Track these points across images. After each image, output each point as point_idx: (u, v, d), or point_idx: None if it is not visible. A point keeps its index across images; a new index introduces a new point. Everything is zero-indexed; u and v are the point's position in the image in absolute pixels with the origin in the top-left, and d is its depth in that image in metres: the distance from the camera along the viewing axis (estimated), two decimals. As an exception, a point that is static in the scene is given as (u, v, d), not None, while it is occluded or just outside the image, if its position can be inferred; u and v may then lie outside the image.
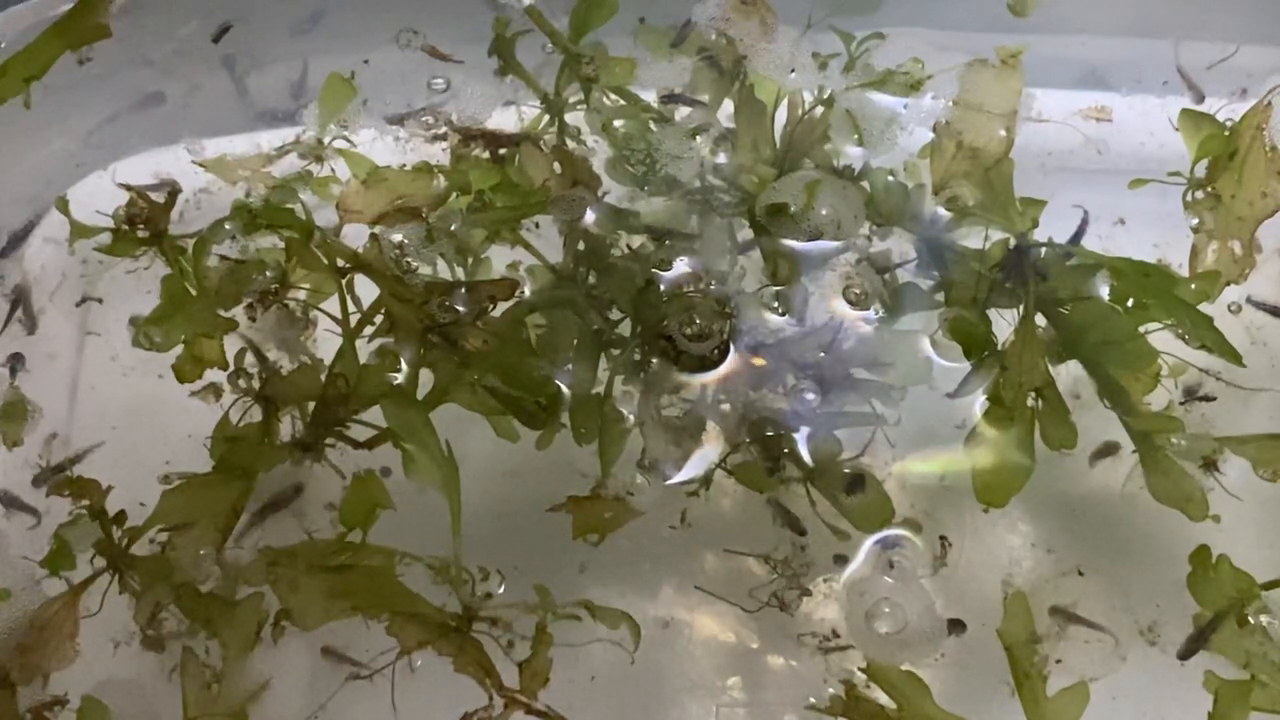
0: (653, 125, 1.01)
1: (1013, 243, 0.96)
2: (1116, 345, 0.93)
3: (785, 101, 1.02)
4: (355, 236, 0.97)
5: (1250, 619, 0.88)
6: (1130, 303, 0.94)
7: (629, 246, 0.99)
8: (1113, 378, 0.93)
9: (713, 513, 0.97)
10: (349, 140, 1.05)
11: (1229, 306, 1.01)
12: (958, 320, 0.95)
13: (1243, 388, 0.98)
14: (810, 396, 0.95)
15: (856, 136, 1.01)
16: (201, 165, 1.05)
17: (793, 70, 1.03)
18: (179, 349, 0.96)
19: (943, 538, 0.95)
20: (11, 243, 1.07)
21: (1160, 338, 0.94)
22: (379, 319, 0.94)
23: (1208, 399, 0.98)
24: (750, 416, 0.95)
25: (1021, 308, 0.94)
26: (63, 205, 1.01)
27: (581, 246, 0.98)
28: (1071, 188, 1.01)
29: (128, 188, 0.99)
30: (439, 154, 1.03)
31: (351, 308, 0.94)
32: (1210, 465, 0.93)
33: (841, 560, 0.95)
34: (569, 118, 1.03)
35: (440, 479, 0.90)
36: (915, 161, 1.01)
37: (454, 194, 0.99)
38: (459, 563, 0.90)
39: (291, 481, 0.97)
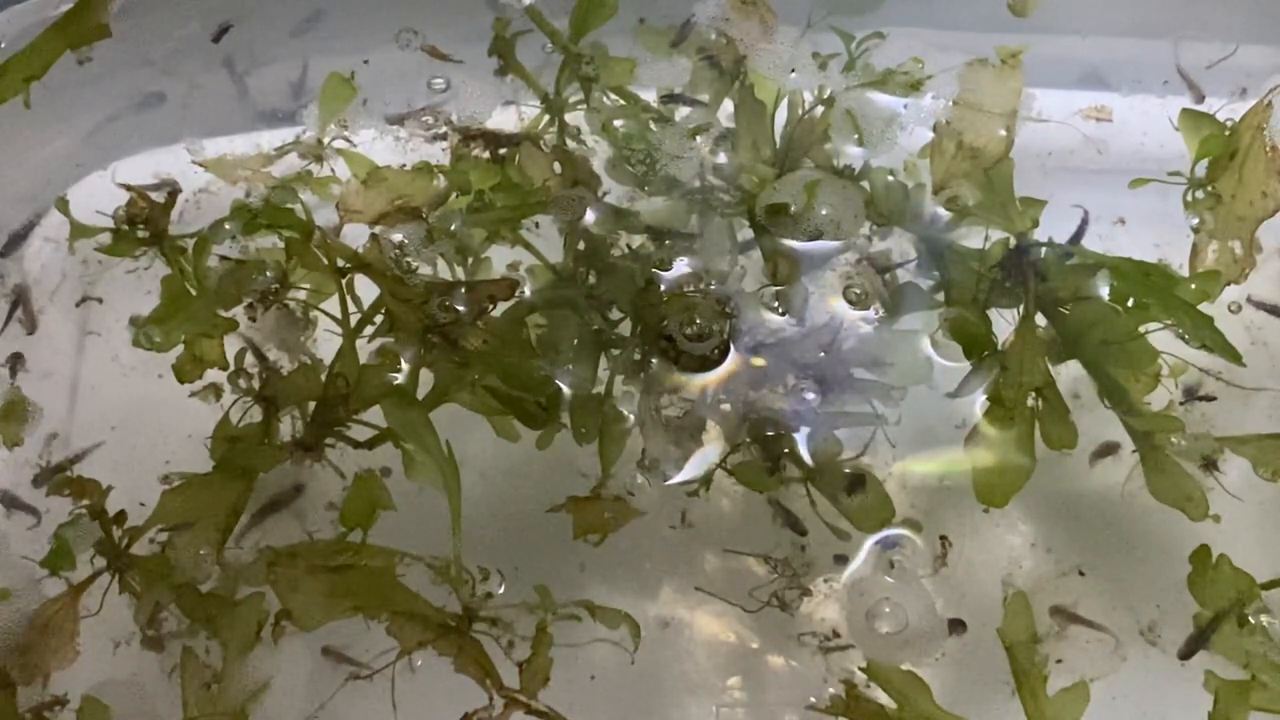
0: (653, 125, 1.01)
1: (1013, 243, 0.96)
2: (1116, 345, 0.93)
3: (785, 101, 1.02)
4: (355, 236, 0.97)
5: (1250, 619, 0.88)
6: (1130, 303, 0.94)
7: (629, 246, 0.99)
8: (1113, 378, 0.93)
9: (713, 513, 0.97)
10: (349, 140, 1.05)
11: (1229, 306, 1.01)
12: (958, 320, 0.95)
13: (1243, 388, 0.98)
14: (810, 396, 0.95)
15: (856, 136, 1.01)
16: (201, 165, 1.05)
17: (793, 70, 1.03)
18: (179, 349, 0.96)
19: (943, 538, 0.95)
20: (11, 243, 1.07)
21: (1160, 338, 0.94)
22: (379, 319, 0.94)
23: (1208, 399, 0.98)
24: (750, 416, 0.95)
25: (1021, 308, 0.94)
26: (63, 205, 1.01)
27: (581, 246, 0.98)
28: (1071, 188, 1.01)
29: (128, 188, 0.99)
30: (439, 154, 1.03)
31: (351, 308, 0.94)
32: (1210, 465, 0.93)
33: (841, 560, 0.95)
34: (569, 118, 1.03)
35: (440, 479, 0.90)
36: (915, 161, 1.00)
37: (454, 194, 0.99)
38: (459, 563, 0.90)
39: (291, 481, 0.97)
